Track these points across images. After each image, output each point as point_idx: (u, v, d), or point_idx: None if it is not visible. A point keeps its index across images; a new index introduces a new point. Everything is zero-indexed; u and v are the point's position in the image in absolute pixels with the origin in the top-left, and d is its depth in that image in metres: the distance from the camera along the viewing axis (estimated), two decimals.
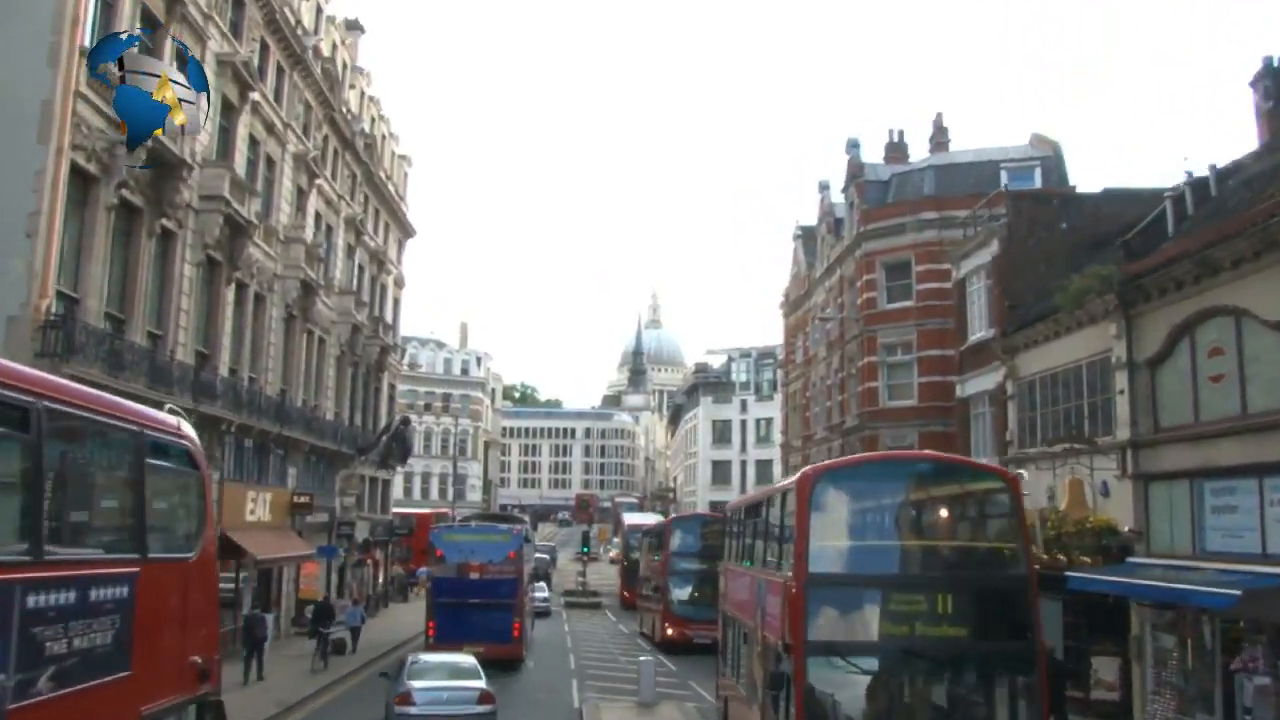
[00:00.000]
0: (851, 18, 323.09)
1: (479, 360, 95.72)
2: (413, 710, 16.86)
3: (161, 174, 21.74)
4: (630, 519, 60.17)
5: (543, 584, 47.41)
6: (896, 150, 41.16)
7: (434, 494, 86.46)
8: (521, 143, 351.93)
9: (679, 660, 30.30)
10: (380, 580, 46.97)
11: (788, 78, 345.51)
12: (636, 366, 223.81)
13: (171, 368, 22.40)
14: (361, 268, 42.38)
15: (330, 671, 26.39)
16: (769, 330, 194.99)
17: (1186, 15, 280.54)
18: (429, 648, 25.78)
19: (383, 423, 43.86)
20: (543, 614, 42.17)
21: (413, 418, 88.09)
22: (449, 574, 27.78)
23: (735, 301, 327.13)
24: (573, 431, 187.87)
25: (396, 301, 49.20)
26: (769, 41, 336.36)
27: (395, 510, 58.49)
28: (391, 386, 48.47)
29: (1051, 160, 35.46)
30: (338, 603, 37.53)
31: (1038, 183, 33.98)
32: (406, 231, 50.61)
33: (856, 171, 38.55)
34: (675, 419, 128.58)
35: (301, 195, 33.35)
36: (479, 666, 18.72)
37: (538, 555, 53.49)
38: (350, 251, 40.20)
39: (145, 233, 21.76)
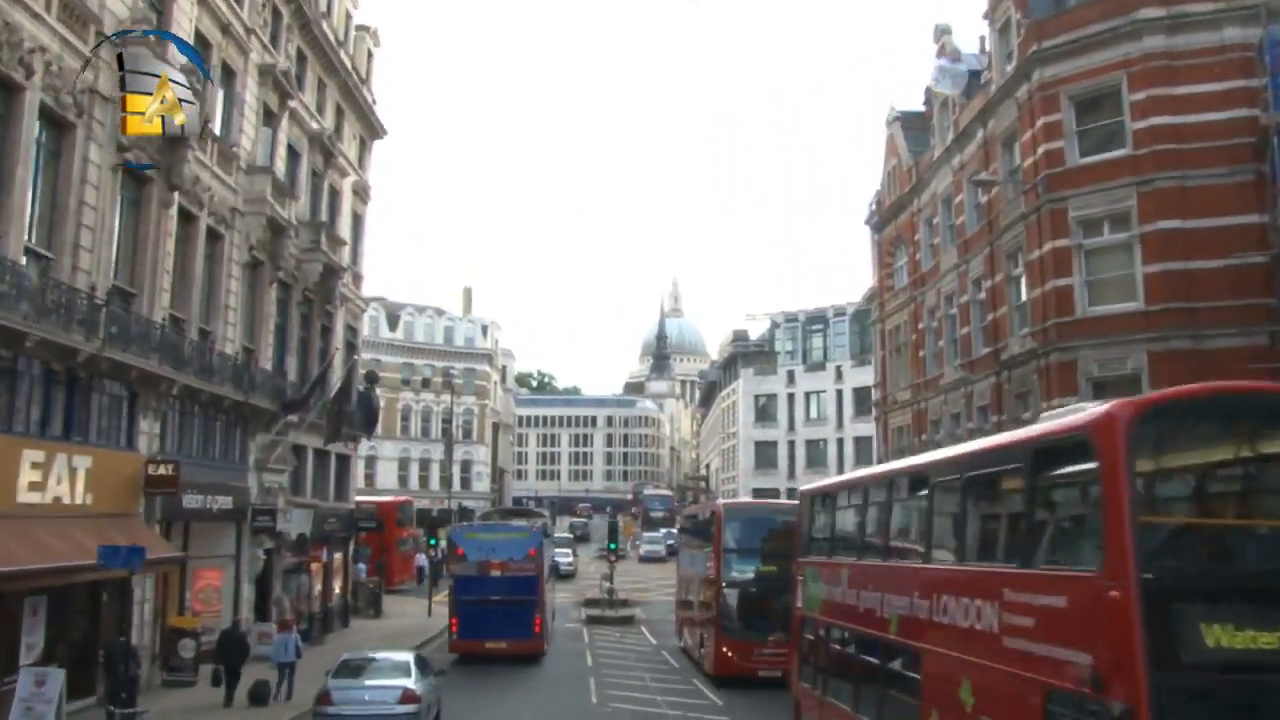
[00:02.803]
0: None
1: (485, 329, 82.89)
2: (330, 710, 16.36)
3: None
4: (724, 501, 40.38)
5: (568, 550, 55.63)
6: None
7: (434, 483, 74.16)
8: (535, 134, 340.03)
9: None
10: (337, 590, 34.63)
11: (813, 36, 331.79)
12: (660, 351, 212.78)
13: None
14: (295, 151, 29.95)
15: None
16: (806, 298, 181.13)
17: None
18: (453, 646, 27.06)
19: (333, 374, 31.38)
20: (568, 576, 49.25)
21: (409, 395, 76.28)
22: (470, 572, 27.36)
23: (758, 290, 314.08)
24: (593, 420, 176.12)
25: (358, 217, 36.80)
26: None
27: (362, 499, 46.58)
28: (351, 329, 36.08)
29: None
30: (256, 628, 25.74)
31: None
32: (373, 130, 38.21)
33: None
34: (708, 399, 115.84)
35: None
36: (411, 664, 17.73)
37: (573, 521, 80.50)
38: (269, 117, 27.75)
39: None
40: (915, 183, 33.48)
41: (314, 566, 31.97)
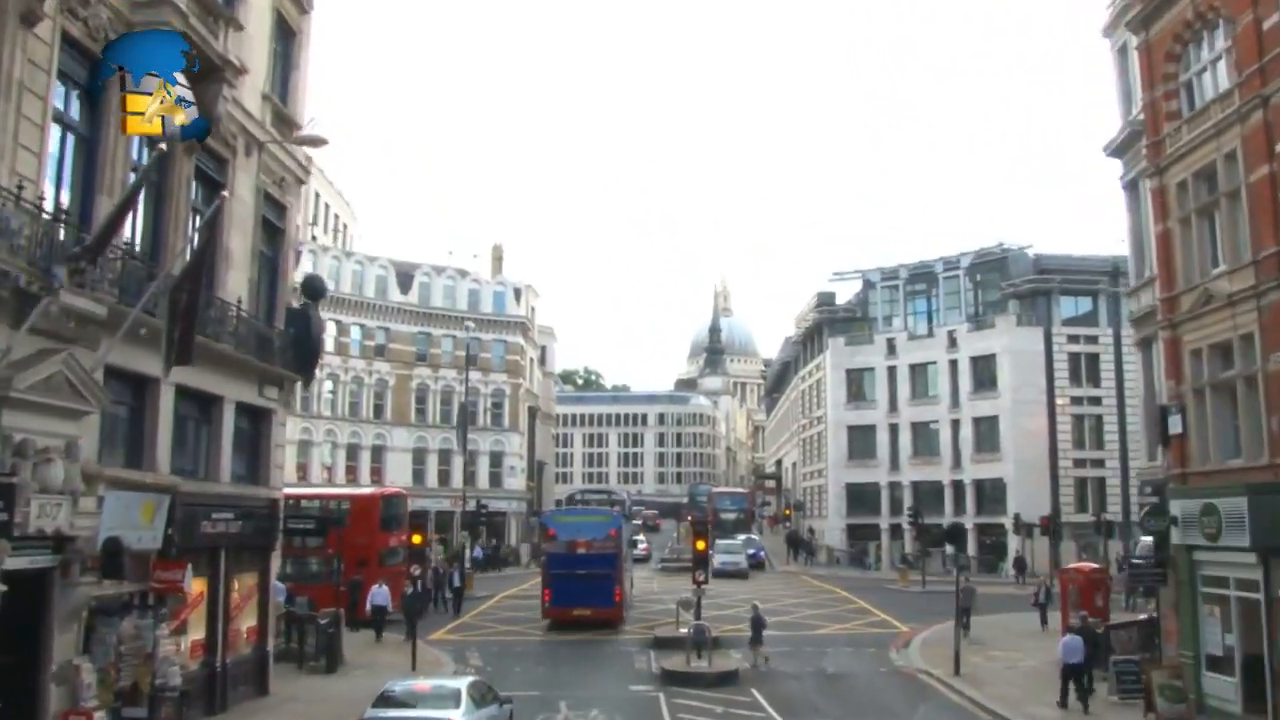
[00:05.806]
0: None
1: (518, 294, 68.43)
2: None
3: None
4: None
5: (641, 538, 62.11)
6: None
7: (455, 479, 60.06)
8: (576, 130, 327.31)
9: None
10: (245, 635, 20.29)
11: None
12: (713, 346, 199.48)
13: None
14: None
15: None
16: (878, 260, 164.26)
17: None
18: (545, 613, 31.51)
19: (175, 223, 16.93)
20: (642, 560, 55.96)
21: (426, 371, 62.47)
22: (560, 550, 31.56)
23: (808, 290, 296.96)
24: (644, 418, 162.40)
25: (287, 26, 22.34)
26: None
27: (348, 491, 32.57)
28: (274, 203, 21.65)
29: None
30: None
31: None
32: None
33: None
34: (777, 385, 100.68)
35: None
36: (463, 693, 16.25)
37: (645, 511, 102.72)
38: None
39: None
40: None
41: (162, 596, 17.42)
